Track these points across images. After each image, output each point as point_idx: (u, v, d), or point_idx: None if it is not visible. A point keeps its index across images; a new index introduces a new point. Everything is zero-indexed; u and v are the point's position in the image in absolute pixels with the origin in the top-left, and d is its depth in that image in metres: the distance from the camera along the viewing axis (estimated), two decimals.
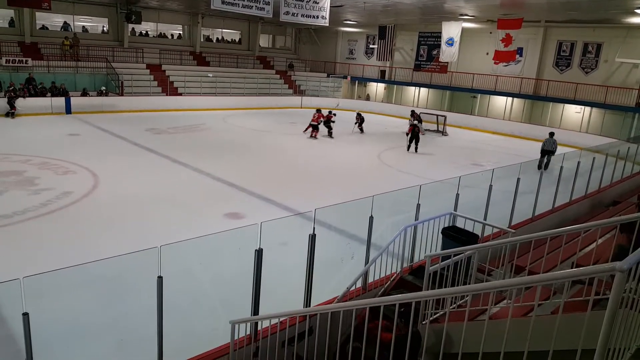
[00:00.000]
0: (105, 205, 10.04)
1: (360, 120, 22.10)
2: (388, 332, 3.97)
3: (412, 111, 22.10)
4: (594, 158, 11.22)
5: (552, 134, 16.64)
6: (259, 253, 4.68)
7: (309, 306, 5.37)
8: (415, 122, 18.74)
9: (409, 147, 18.42)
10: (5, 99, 19.54)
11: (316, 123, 19.89)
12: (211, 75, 28.45)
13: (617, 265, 2.29)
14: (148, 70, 26.84)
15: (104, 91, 23.66)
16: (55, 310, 5.58)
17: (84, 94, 23.00)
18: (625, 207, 9.99)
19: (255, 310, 4.92)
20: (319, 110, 20.54)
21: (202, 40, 31.40)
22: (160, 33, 31.13)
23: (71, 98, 21.87)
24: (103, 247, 7.67)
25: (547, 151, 15.83)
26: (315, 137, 19.84)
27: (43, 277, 3.24)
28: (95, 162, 13.13)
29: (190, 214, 9.93)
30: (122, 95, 24.19)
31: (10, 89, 20.06)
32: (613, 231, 5.39)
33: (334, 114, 20.91)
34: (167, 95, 25.75)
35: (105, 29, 28.43)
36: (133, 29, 28.58)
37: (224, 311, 5.77)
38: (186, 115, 23.45)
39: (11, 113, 19.42)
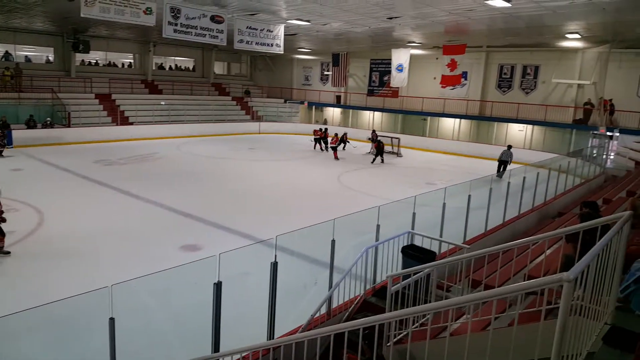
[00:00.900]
0: (51, 244, 9.49)
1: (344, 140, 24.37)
2: None
3: (373, 130, 25.04)
4: (538, 173, 11.86)
5: (509, 147, 18.74)
6: (217, 286, 4.55)
7: (273, 338, 5.25)
8: (379, 139, 21.84)
9: (374, 160, 20.93)
10: None
11: (334, 145, 22.04)
12: (164, 103, 27.98)
13: (564, 276, 2.42)
14: (97, 100, 26.03)
15: (50, 122, 22.67)
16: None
17: (32, 125, 21.90)
18: (569, 217, 10.53)
19: (216, 347, 4.76)
20: (335, 133, 23.45)
21: (154, 68, 30.97)
22: (110, 62, 30.45)
23: (12, 131, 20.72)
24: (50, 289, 7.21)
25: (502, 161, 18.01)
26: (337, 158, 21.47)
27: None
28: (40, 198, 12.44)
29: (144, 248, 9.53)
30: (69, 126, 23.27)
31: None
32: (560, 241, 5.68)
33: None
34: (117, 125, 25.01)
35: (50, 58, 27.47)
36: (82, 59, 27.84)
37: (183, 350, 5.53)
38: (138, 145, 22.81)
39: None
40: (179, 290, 6.29)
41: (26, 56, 27.80)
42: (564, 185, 13.39)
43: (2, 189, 9.07)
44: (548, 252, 5.94)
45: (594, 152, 18.73)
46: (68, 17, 19.77)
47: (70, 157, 18.90)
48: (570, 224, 8.75)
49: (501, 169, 17.62)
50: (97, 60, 29.73)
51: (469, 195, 8.95)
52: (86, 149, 21.33)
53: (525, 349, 2.92)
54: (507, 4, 13.01)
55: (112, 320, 3.82)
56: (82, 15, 13.41)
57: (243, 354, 4.73)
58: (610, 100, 21.01)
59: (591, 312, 2.79)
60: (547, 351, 2.55)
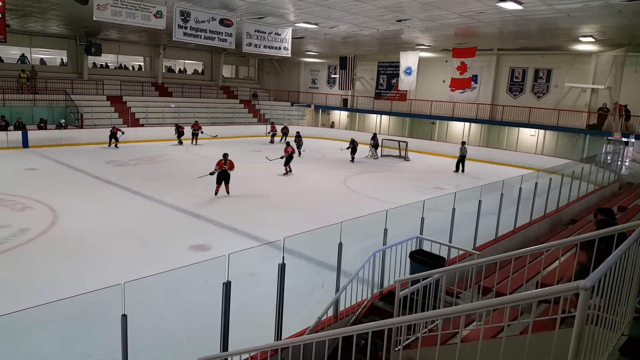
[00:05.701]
0: (64, 242, 9.62)
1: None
2: None
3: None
4: (550, 179, 11.66)
5: (463, 143, 21.52)
6: (227, 286, 4.57)
7: (280, 339, 5.24)
8: (352, 138, 22.76)
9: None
10: None
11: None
12: (174, 106, 28.19)
13: (581, 284, 2.35)
14: (109, 102, 26.35)
15: (63, 124, 23.04)
16: (13, 355, 5.26)
17: (43, 127, 22.21)
18: (582, 225, 10.33)
19: (225, 346, 4.78)
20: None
21: (164, 71, 31.22)
22: (121, 64, 30.77)
23: (28, 132, 21.12)
24: (63, 285, 7.32)
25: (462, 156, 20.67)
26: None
27: None
28: (53, 197, 12.64)
29: (154, 247, 9.63)
30: (82, 127, 23.64)
31: None
32: (573, 249, 5.58)
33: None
34: (128, 126, 25.24)
35: (64, 60, 27.89)
36: (94, 61, 28.18)
37: (191, 348, 5.56)
38: (148, 146, 23.01)
39: None
40: (188, 289, 6.35)
41: (41, 59, 28.26)
42: (577, 192, 13.08)
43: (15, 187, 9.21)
44: (562, 259, 5.83)
45: (609, 158, 18.30)
46: (81, 20, 20.08)
47: (83, 158, 19.22)
48: (584, 231, 8.62)
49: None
50: (106, 63, 30.08)
51: (480, 201, 8.85)
52: (98, 149, 21.68)
53: (539, 357, 2.86)
54: (519, 7, 12.88)
55: (124, 317, 3.85)
56: (94, 18, 13.58)
57: (252, 354, 4.73)
58: (626, 105, 20.59)
59: (607, 322, 2.71)
60: None
